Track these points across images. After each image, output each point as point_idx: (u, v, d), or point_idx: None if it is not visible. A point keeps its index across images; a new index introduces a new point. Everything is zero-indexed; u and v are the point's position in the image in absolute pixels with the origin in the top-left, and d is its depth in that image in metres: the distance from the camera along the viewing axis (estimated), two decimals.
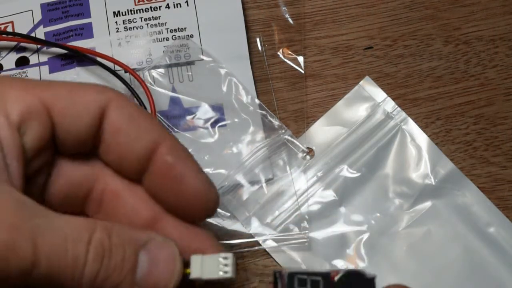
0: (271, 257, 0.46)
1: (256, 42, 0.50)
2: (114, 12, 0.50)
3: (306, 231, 0.46)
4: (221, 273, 0.27)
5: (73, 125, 0.28)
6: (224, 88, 0.48)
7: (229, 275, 0.27)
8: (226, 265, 0.27)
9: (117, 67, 0.48)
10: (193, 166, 0.29)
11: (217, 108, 0.48)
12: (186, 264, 0.28)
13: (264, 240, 0.46)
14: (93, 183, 0.31)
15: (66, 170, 0.30)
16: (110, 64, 0.47)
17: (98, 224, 0.26)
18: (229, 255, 0.28)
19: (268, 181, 0.47)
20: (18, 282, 0.23)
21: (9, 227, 0.23)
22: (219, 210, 0.46)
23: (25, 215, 0.24)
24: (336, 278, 0.26)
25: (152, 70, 0.48)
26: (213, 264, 0.28)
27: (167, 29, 0.50)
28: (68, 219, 0.25)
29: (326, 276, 0.26)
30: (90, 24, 0.50)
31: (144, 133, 0.28)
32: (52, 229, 0.24)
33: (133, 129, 0.28)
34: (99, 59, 0.47)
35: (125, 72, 0.47)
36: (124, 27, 0.50)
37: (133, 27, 0.50)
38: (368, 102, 0.49)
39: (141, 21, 0.50)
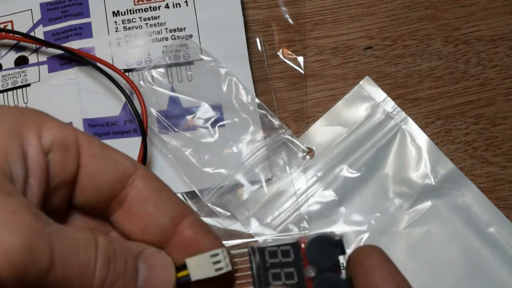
0: None
1: (256, 42, 0.50)
2: (113, 12, 0.50)
3: (306, 231, 0.46)
4: (216, 269, 0.28)
5: (98, 175, 0.28)
6: (224, 88, 0.48)
7: (224, 270, 0.28)
8: (218, 261, 0.28)
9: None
10: (215, 241, 0.30)
11: (217, 108, 0.48)
12: (183, 267, 0.28)
13: (264, 240, 0.46)
14: None
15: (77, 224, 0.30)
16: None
17: (99, 232, 0.27)
18: (219, 250, 0.28)
19: (268, 181, 0.47)
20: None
21: (28, 231, 0.23)
22: (219, 210, 0.46)
23: (41, 222, 0.24)
24: (304, 245, 0.27)
25: (152, 70, 0.48)
26: (207, 263, 0.28)
27: (166, 29, 0.50)
28: (75, 228, 0.26)
29: (295, 244, 0.27)
30: (89, 23, 0.49)
31: (171, 206, 0.29)
32: (65, 235, 0.25)
33: (161, 201, 0.29)
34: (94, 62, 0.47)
35: (125, 71, 0.47)
36: (124, 27, 0.50)
37: (132, 27, 0.50)
38: (368, 102, 0.49)
39: (141, 21, 0.50)
